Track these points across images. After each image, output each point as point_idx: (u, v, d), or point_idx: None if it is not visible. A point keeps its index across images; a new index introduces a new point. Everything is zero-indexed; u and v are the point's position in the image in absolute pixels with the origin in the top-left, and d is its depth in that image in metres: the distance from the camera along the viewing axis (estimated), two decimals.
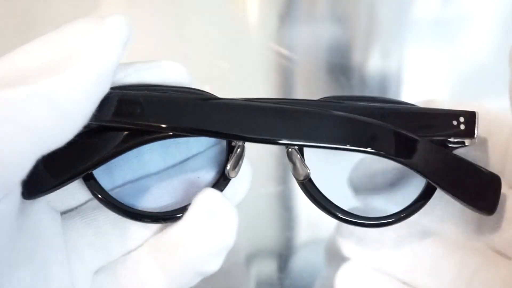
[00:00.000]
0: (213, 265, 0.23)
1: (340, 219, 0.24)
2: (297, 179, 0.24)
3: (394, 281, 0.25)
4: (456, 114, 0.23)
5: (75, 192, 0.24)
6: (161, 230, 0.24)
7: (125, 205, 0.23)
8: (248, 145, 0.23)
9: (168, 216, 0.23)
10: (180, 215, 0.23)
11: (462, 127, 0.23)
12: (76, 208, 0.24)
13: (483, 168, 0.24)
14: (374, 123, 0.22)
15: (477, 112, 0.23)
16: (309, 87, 0.24)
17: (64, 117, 0.18)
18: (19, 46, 0.20)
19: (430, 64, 0.45)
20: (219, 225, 0.22)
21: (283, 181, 0.41)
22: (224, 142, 0.25)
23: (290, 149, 0.23)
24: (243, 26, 0.46)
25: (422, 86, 0.45)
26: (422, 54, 0.45)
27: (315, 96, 0.25)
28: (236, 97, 0.23)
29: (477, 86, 0.44)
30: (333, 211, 0.24)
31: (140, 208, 0.24)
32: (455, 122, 0.23)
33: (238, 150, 0.23)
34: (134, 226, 0.24)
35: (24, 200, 0.21)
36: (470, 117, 0.23)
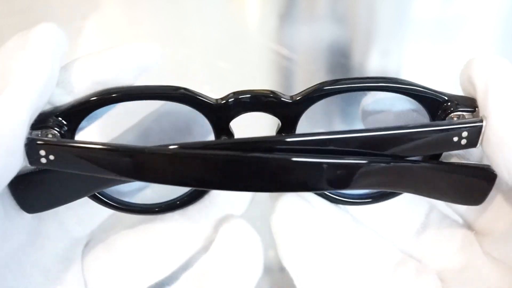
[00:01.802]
0: None
1: (332, 200, 0.24)
2: None
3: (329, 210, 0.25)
4: (460, 128, 0.21)
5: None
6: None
7: (120, 201, 0.24)
8: None
9: (161, 208, 0.24)
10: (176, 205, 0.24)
11: (464, 142, 0.21)
12: None
13: (473, 164, 0.23)
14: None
15: (484, 124, 0.21)
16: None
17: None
18: None
19: (430, 64, 0.45)
20: (245, 257, 0.23)
21: None
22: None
23: None
24: (243, 26, 0.46)
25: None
26: (422, 54, 0.45)
27: None
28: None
29: None
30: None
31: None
32: (456, 139, 0.21)
33: None
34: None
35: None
36: (475, 131, 0.21)
